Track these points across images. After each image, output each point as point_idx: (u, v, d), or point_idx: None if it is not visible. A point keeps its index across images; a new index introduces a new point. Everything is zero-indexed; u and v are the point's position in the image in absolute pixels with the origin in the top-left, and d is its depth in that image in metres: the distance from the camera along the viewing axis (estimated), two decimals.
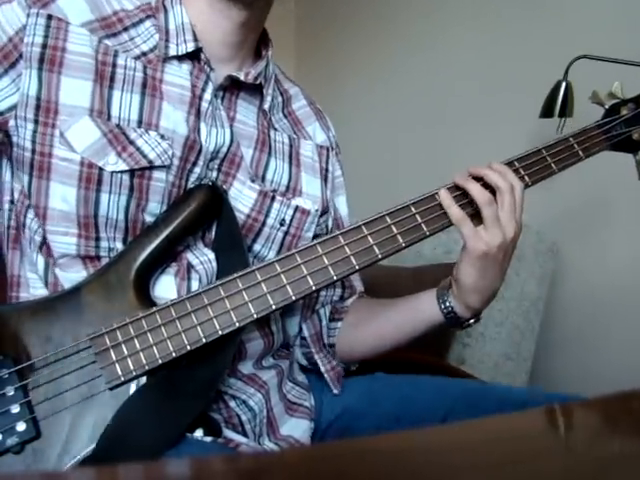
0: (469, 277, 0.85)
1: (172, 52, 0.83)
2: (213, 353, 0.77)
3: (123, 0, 0.85)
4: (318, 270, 0.78)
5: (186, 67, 0.84)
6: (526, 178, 0.87)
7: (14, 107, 0.77)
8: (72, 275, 0.80)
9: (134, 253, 0.78)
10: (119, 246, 0.80)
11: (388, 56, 2.46)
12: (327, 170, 1.01)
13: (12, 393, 0.71)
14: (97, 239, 0.79)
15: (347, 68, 2.66)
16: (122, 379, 0.73)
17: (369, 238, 0.80)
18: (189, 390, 0.77)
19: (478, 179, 0.85)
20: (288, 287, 0.77)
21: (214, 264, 0.84)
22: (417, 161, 2.31)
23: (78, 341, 0.74)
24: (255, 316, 0.75)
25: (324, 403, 1.02)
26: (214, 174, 0.86)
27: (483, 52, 2.08)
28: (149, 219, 0.81)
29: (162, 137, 0.80)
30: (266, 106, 0.92)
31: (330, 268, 0.78)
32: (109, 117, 0.78)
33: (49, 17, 0.78)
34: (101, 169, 0.77)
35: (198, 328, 0.74)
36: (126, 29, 0.83)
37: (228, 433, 0.84)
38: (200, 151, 0.83)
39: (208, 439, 0.78)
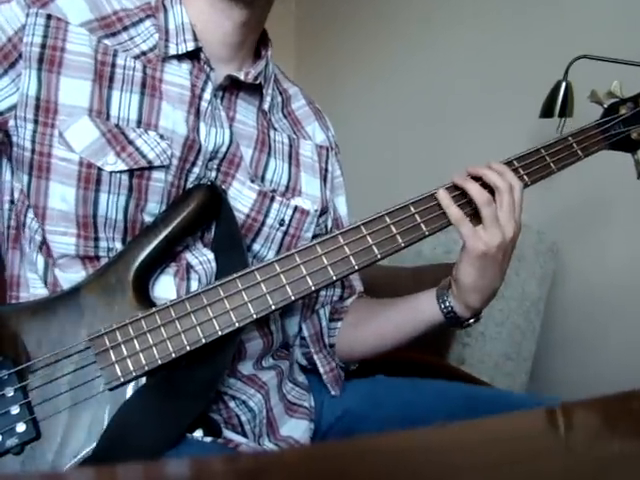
0: (469, 277, 0.85)
1: (172, 51, 0.83)
2: (213, 353, 0.77)
3: None
4: (317, 270, 0.78)
5: (186, 67, 0.84)
6: (525, 178, 0.87)
7: (14, 107, 0.77)
8: (71, 275, 0.80)
9: (133, 253, 0.78)
10: (118, 246, 0.80)
11: (388, 56, 2.46)
12: (326, 170, 1.01)
13: (12, 394, 0.71)
14: (96, 239, 0.79)
15: (347, 68, 2.66)
16: (122, 380, 0.72)
17: (368, 238, 0.80)
18: (189, 390, 0.77)
19: (477, 179, 0.84)
20: (287, 287, 0.77)
21: (213, 264, 0.84)
22: (417, 161, 2.31)
23: (77, 342, 0.73)
24: (255, 316, 0.75)
25: (325, 404, 1.02)
26: (213, 174, 0.86)
27: (483, 52, 2.08)
28: (148, 219, 0.81)
29: (161, 137, 0.80)
30: (266, 106, 0.92)
31: (329, 268, 0.78)
32: (108, 117, 0.78)
33: (48, 17, 0.77)
34: (100, 169, 0.77)
35: (197, 328, 0.74)
36: (126, 28, 0.83)
37: (228, 433, 0.84)
38: (199, 151, 0.83)
39: (208, 439, 0.78)
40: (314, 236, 0.95)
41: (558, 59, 1.55)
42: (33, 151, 0.77)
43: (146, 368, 0.73)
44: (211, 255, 0.84)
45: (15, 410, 0.71)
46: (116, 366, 0.73)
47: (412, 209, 0.83)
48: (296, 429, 0.96)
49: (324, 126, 1.04)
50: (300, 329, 1.03)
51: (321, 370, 1.00)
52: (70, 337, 0.74)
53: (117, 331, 0.73)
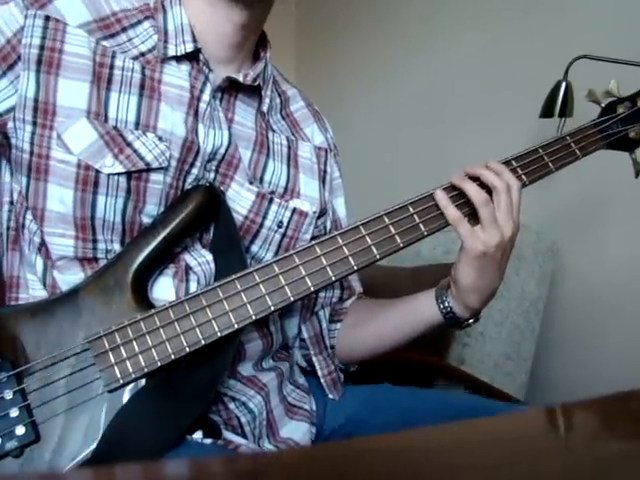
0: (467, 277, 0.85)
1: (171, 53, 0.83)
2: (212, 355, 0.77)
3: (122, 0, 0.84)
4: (316, 271, 0.78)
5: (185, 68, 0.84)
6: (523, 177, 0.87)
7: (12, 109, 0.77)
8: (70, 277, 0.80)
9: (132, 255, 0.78)
10: (116, 248, 0.80)
11: (388, 56, 2.46)
12: (325, 172, 1.01)
13: (11, 396, 0.71)
14: (94, 241, 0.79)
15: (347, 69, 2.66)
16: (121, 382, 0.72)
17: (367, 238, 0.80)
18: (188, 392, 0.77)
19: (475, 179, 0.84)
20: (286, 288, 0.76)
21: (212, 265, 0.84)
22: (417, 161, 2.31)
23: (76, 344, 0.73)
24: (254, 317, 0.75)
25: (327, 409, 1.01)
26: (212, 175, 0.86)
27: (483, 52, 2.08)
28: (146, 221, 0.81)
29: (160, 139, 0.80)
30: (264, 108, 0.92)
31: (328, 269, 0.78)
32: (106, 119, 0.78)
33: (47, 18, 0.77)
34: (98, 171, 0.77)
35: (197, 330, 0.74)
36: (124, 30, 0.83)
37: (228, 435, 0.84)
38: (198, 152, 0.83)
39: (208, 441, 0.78)
40: (312, 238, 0.95)
41: (558, 59, 1.55)
42: (31, 153, 0.77)
43: (145, 370, 0.73)
44: (210, 256, 0.84)
45: (14, 413, 0.71)
46: (115, 368, 0.72)
47: (411, 209, 0.83)
48: (296, 431, 0.96)
49: (323, 128, 1.04)
50: (299, 331, 1.03)
51: (319, 373, 1.00)
52: (69, 339, 0.74)
53: (116, 333, 0.73)
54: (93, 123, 0.77)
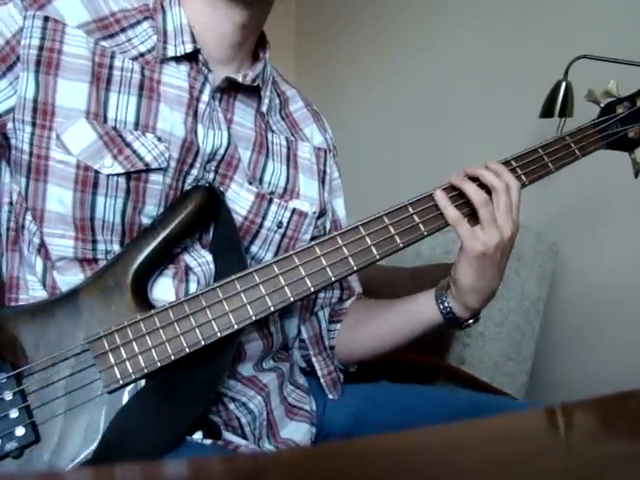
0: (467, 277, 0.85)
1: (170, 53, 0.83)
2: (212, 355, 0.77)
3: (121, 0, 0.84)
4: (316, 271, 0.78)
5: (184, 68, 0.84)
6: (523, 177, 0.87)
7: (12, 110, 0.77)
8: (70, 278, 0.80)
9: (131, 255, 0.78)
10: (116, 249, 0.80)
11: (388, 57, 2.46)
12: (325, 172, 1.01)
13: (10, 397, 0.71)
14: (94, 242, 0.79)
15: (347, 69, 2.66)
16: (121, 382, 0.72)
17: (367, 239, 0.80)
18: (188, 393, 0.77)
19: (474, 179, 0.84)
20: (286, 289, 0.76)
21: (212, 266, 0.84)
22: (417, 162, 2.31)
23: (76, 345, 0.73)
24: (254, 318, 0.75)
25: (327, 409, 1.01)
26: (211, 176, 0.85)
27: (483, 52, 2.08)
28: (146, 221, 0.81)
29: (159, 139, 0.80)
30: (264, 108, 0.92)
31: (328, 269, 0.78)
32: (105, 119, 0.78)
33: (46, 19, 0.77)
34: (97, 172, 0.77)
35: (197, 330, 0.74)
36: (123, 30, 0.83)
37: (228, 436, 0.84)
38: (197, 153, 0.83)
39: (207, 442, 0.78)
40: (312, 238, 0.95)
41: (558, 59, 1.55)
42: (31, 154, 0.77)
43: (145, 370, 0.73)
44: (209, 257, 0.84)
45: (14, 414, 0.71)
46: (115, 369, 0.72)
47: (410, 209, 0.83)
48: (296, 432, 0.96)
49: (322, 128, 1.04)
50: (299, 331, 1.03)
51: (319, 373, 1.00)
52: (69, 340, 0.74)
53: (116, 334, 0.73)
54: (92, 123, 0.77)
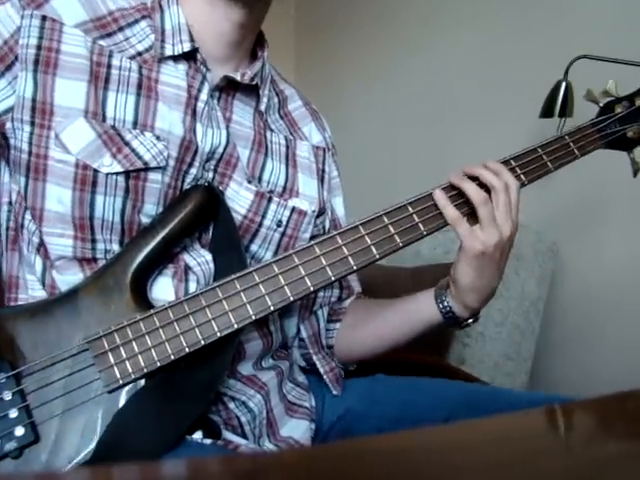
0: (466, 277, 0.85)
1: (168, 52, 0.83)
2: (212, 355, 0.77)
3: None
4: (316, 271, 0.78)
5: (182, 67, 0.84)
6: (522, 177, 0.87)
7: (11, 109, 0.77)
8: (69, 277, 0.80)
9: (131, 255, 0.78)
10: (115, 248, 0.80)
11: (387, 57, 2.46)
12: (324, 171, 1.01)
13: (10, 397, 0.71)
14: (93, 241, 0.79)
15: (346, 69, 2.66)
16: (120, 382, 0.72)
17: (366, 238, 0.80)
18: (188, 392, 0.77)
19: (474, 178, 0.84)
20: (286, 288, 0.76)
21: (211, 265, 0.84)
22: (417, 162, 2.31)
23: (75, 344, 0.73)
24: (253, 317, 0.75)
25: (326, 404, 1.02)
26: (210, 175, 0.85)
27: (483, 52, 2.08)
28: (145, 221, 0.81)
29: (158, 138, 0.80)
30: (262, 107, 0.92)
31: (328, 269, 0.78)
32: (104, 118, 0.78)
33: (43, 18, 0.77)
34: (96, 171, 0.77)
35: (196, 330, 0.74)
36: (121, 29, 0.83)
37: (228, 435, 0.84)
38: (196, 152, 0.83)
39: (207, 441, 0.78)
40: (312, 237, 0.95)
41: (558, 59, 1.55)
42: (30, 153, 0.77)
43: (145, 370, 0.73)
44: (209, 256, 0.84)
45: (13, 414, 0.70)
46: (115, 368, 0.72)
47: (410, 209, 0.83)
48: (296, 429, 0.96)
49: (320, 127, 1.04)
50: (298, 330, 1.03)
51: (321, 370, 1.00)
52: (68, 340, 0.74)
53: (115, 333, 0.73)
54: (91, 122, 0.77)
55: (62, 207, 0.77)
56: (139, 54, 0.82)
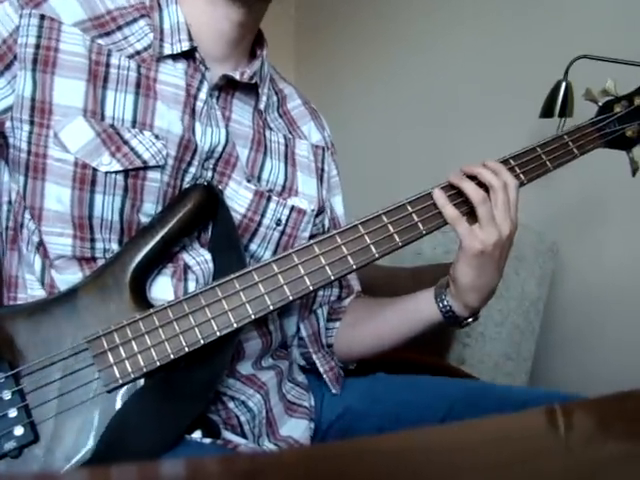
0: (466, 276, 0.85)
1: (167, 51, 0.83)
2: (211, 354, 0.77)
3: None
4: (315, 270, 0.78)
5: (181, 66, 0.84)
6: (521, 176, 0.87)
7: (10, 109, 0.77)
8: (68, 277, 0.80)
9: (130, 254, 0.77)
10: (115, 247, 0.80)
11: (388, 57, 2.46)
12: (323, 170, 1.01)
13: (9, 397, 0.71)
14: (92, 240, 0.79)
15: (347, 69, 2.66)
16: (120, 382, 0.72)
17: (366, 237, 0.80)
18: (187, 392, 0.77)
19: (473, 177, 0.85)
20: (285, 287, 0.76)
21: (211, 265, 0.84)
22: (417, 162, 2.31)
23: (75, 344, 0.73)
24: (253, 317, 0.75)
25: (324, 403, 1.02)
26: (209, 174, 0.85)
27: (483, 53, 2.08)
28: (144, 220, 0.81)
29: (156, 137, 0.80)
30: (261, 106, 0.92)
31: (327, 268, 0.78)
32: (103, 117, 0.78)
33: (42, 17, 0.77)
34: (95, 169, 0.77)
35: (196, 329, 0.74)
36: (120, 28, 0.83)
37: (227, 434, 0.84)
38: (195, 151, 0.83)
39: (207, 441, 0.78)
40: (311, 236, 0.95)
41: (558, 59, 1.55)
42: (29, 152, 0.77)
43: (144, 370, 0.73)
44: (208, 255, 0.84)
45: (13, 413, 0.70)
46: (114, 368, 0.72)
47: (409, 208, 0.83)
48: (296, 429, 0.96)
49: (320, 126, 1.04)
50: (298, 329, 1.03)
51: (321, 369, 1.00)
52: (67, 339, 0.74)
53: (115, 333, 0.73)
54: (90, 121, 0.77)
55: (61, 206, 0.77)
56: (138, 53, 0.82)
